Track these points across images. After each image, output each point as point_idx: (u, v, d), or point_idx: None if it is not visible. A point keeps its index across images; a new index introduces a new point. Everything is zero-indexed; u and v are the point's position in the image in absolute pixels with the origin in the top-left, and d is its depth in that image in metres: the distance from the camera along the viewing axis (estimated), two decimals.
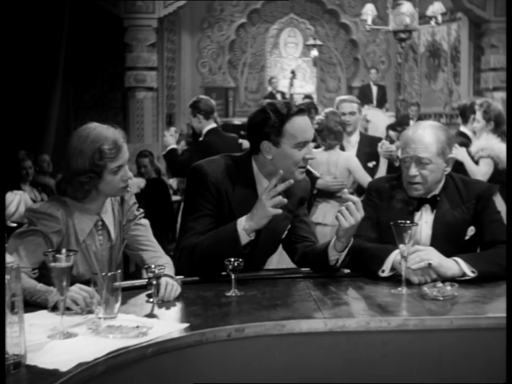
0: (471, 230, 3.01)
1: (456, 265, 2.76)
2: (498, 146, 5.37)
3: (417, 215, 3.03)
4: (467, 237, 3.01)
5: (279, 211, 2.72)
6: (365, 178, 5.07)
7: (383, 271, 2.81)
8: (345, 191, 2.73)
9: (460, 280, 2.70)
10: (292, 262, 3.08)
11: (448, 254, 2.81)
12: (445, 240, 2.97)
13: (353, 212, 2.67)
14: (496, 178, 5.28)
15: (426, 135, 2.96)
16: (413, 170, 2.96)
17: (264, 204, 2.70)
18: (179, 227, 2.98)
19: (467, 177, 3.20)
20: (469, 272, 2.75)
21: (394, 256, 2.79)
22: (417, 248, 2.77)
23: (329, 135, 5.14)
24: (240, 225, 2.75)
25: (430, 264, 2.72)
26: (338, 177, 5.16)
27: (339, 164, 5.18)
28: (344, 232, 2.72)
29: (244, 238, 2.75)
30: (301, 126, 2.81)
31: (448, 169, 3.02)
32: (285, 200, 2.73)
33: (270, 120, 2.79)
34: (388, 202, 3.06)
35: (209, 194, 2.85)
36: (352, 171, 5.19)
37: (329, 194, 5.16)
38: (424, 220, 3.02)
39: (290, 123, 2.79)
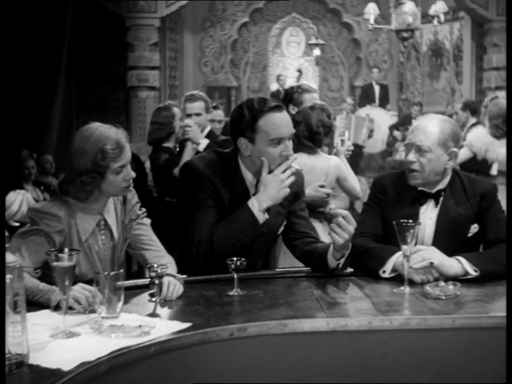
0: (474, 228, 3.01)
1: (458, 264, 2.76)
2: (475, 135, 5.60)
3: (422, 210, 3.04)
4: (470, 234, 3.01)
5: (293, 179, 2.78)
6: (355, 187, 4.41)
7: (384, 272, 2.82)
8: (332, 206, 2.70)
9: (462, 280, 2.70)
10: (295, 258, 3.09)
11: (451, 250, 2.82)
12: (448, 236, 2.98)
13: (345, 227, 2.66)
14: (472, 166, 5.56)
15: (430, 125, 2.99)
16: (411, 156, 2.99)
17: (278, 178, 2.75)
18: (187, 224, 2.94)
19: (473, 175, 3.21)
20: (472, 271, 2.75)
21: (396, 257, 2.79)
22: (419, 247, 2.78)
23: (311, 135, 4.13)
24: (254, 207, 2.76)
25: (431, 263, 2.72)
26: (327, 187, 4.18)
27: (330, 171, 4.20)
28: (340, 247, 2.72)
29: (261, 218, 2.77)
30: (275, 122, 2.78)
31: (451, 163, 3.01)
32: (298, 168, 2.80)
33: (244, 117, 2.80)
34: (393, 197, 3.08)
35: (206, 188, 2.86)
36: (341, 179, 4.30)
37: (312, 210, 3.91)
38: (429, 216, 3.03)
39: (263, 119, 2.78)
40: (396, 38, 12.91)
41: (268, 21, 15.47)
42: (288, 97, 4.58)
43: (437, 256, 2.75)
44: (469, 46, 12.35)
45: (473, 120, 7.44)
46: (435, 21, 11.41)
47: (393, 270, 2.80)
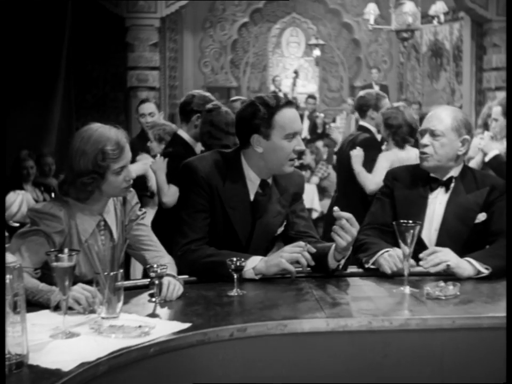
0: (482, 216, 3.09)
1: (470, 266, 2.80)
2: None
3: (433, 195, 3.15)
4: (477, 221, 3.09)
5: (292, 269, 2.75)
6: None
7: (367, 263, 2.94)
8: (335, 208, 2.70)
9: (461, 280, 2.70)
10: None
11: (458, 233, 3.01)
12: (456, 220, 3.08)
13: (348, 230, 2.66)
14: None
15: (443, 112, 3.17)
16: (425, 140, 3.13)
17: (282, 255, 2.74)
18: (177, 222, 2.97)
19: (487, 172, 3.31)
20: (483, 269, 2.79)
21: (380, 254, 2.90)
22: (435, 249, 2.82)
23: (407, 130, 4.94)
24: (251, 263, 2.76)
25: (448, 265, 2.74)
26: None
27: None
28: (342, 249, 2.73)
29: (249, 274, 2.77)
30: (290, 117, 2.85)
31: (463, 150, 3.13)
32: (294, 273, 2.78)
33: (260, 113, 2.83)
34: (404, 181, 3.20)
35: (201, 190, 2.88)
36: None
37: None
38: (439, 201, 3.14)
39: (279, 115, 2.83)
40: (395, 38, 12.91)
41: (268, 21, 15.46)
42: (368, 103, 5.41)
43: (453, 258, 2.79)
44: (468, 46, 12.33)
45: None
46: (435, 21, 11.40)
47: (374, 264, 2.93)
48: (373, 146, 5.26)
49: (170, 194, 4.33)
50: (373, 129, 5.42)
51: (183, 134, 4.64)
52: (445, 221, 3.10)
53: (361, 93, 5.64)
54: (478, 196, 3.10)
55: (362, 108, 5.48)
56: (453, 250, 2.84)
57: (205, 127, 4.31)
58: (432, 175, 3.17)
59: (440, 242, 3.04)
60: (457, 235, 3.03)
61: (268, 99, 2.86)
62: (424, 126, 3.17)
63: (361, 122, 5.50)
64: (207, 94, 4.72)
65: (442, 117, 3.12)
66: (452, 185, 3.14)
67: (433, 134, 3.10)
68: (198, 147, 4.56)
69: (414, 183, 3.19)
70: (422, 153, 3.14)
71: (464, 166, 3.21)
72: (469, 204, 3.10)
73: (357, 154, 5.15)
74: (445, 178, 3.15)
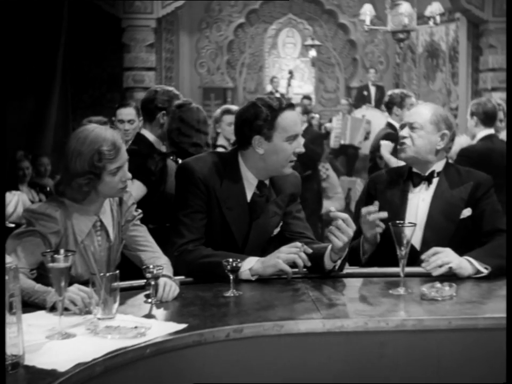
0: (467, 211, 3.10)
1: (470, 265, 2.80)
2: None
3: (415, 191, 3.16)
4: (462, 216, 3.10)
5: (289, 270, 2.74)
6: None
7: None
8: (332, 208, 2.70)
9: (457, 281, 2.70)
10: None
11: (444, 230, 3.02)
12: (442, 216, 3.09)
13: (344, 230, 2.67)
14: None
15: (424, 107, 3.25)
16: (404, 132, 3.19)
17: (278, 255, 2.73)
18: (174, 223, 2.97)
19: (471, 168, 3.31)
20: (482, 268, 2.80)
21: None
22: (437, 250, 2.81)
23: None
24: (248, 264, 2.75)
25: (450, 267, 2.75)
26: None
27: None
28: (339, 249, 2.73)
29: (246, 275, 2.76)
30: (292, 119, 2.87)
31: (442, 145, 3.15)
32: (291, 274, 2.77)
33: (262, 114, 2.84)
34: (385, 182, 3.23)
35: (198, 191, 2.88)
36: None
37: None
38: (422, 198, 3.15)
39: (282, 117, 2.84)
40: (391, 39, 12.90)
41: (264, 22, 15.46)
42: (394, 101, 6.17)
43: (455, 259, 2.79)
44: (464, 47, 12.34)
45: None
46: (431, 22, 11.39)
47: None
48: (392, 141, 5.93)
49: (134, 189, 3.84)
50: (397, 125, 5.93)
51: (147, 133, 4.20)
52: (430, 218, 3.10)
53: (389, 92, 6.44)
54: (462, 191, 3.12)
55: (388, 105, 6.25)
56: (439, 247, 2.84)
57: (174, 123, 4.03)
58: (413, 170, 3.19)
59: (425, 239, 3.05)
60: (443, 231, 3.05)
61: (271, 101, 2.86)
62: (404, 121, 3.25)
63: (388, 119, 6.24)
64: (171, 88, 4.32)
65: (421, 111, 3.19)
66: (435, 180, 3.16)
67: (411, 127, 3.16)
68: (164, 148, 4.23)
69: (394, 182, 3.22)
70: (400, 144, 3.20)
71: (447, 162, 3.24)
72: (454, 199, 3.11)
73: (386, 144, 6.10)
74: (426, 173, 3.17)
